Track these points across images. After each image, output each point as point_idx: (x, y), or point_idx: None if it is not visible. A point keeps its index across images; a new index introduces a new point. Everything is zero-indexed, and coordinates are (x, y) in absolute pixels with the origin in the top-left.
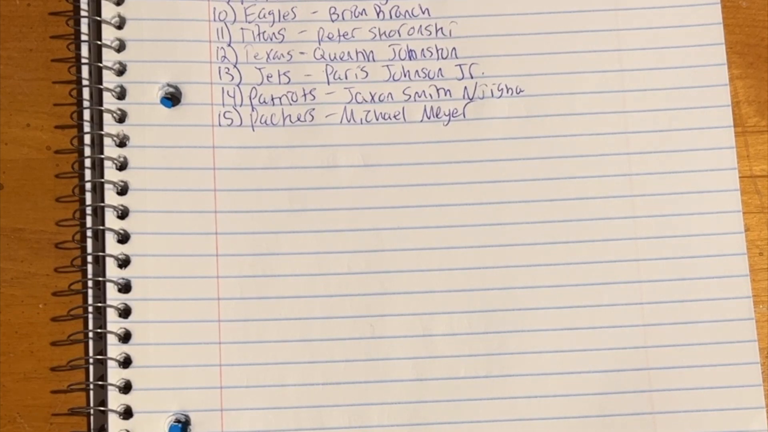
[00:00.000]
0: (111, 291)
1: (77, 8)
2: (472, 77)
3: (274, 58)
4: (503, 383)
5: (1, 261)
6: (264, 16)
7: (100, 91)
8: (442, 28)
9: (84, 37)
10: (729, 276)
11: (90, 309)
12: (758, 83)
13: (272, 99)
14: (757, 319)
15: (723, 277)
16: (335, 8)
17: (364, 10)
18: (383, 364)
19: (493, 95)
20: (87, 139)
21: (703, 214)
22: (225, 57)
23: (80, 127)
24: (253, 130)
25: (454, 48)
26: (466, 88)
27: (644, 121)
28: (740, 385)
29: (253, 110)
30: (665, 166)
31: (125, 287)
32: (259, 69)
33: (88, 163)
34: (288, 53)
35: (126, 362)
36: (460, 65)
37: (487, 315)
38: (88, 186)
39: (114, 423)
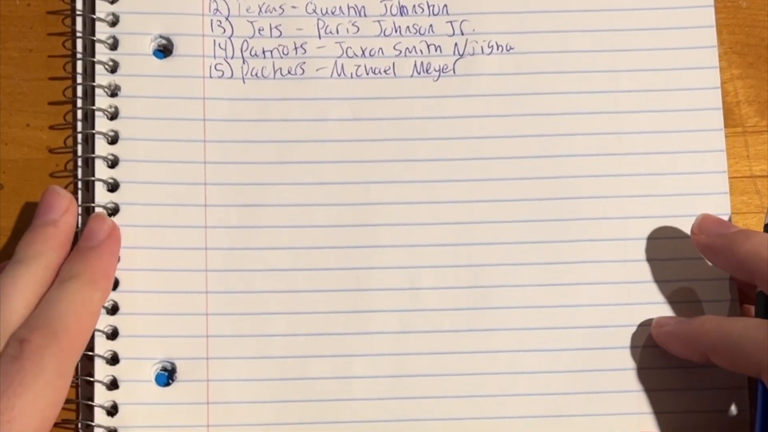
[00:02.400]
0: None
1: None
2: (462, 34)
3: (265, 12)
4: (486, 337)
5: (1, 261)
6: None
7: (93, 44)
8: None
9: None
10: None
11: None
12: (758, 83)
13: (263, 52)
14: None
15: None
16: None
17: None
18: (368, 316)
19: (483, 52)
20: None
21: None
22: (217, 9)
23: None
24: (244, 83)
25: (445, 5)
26: (456, 44)
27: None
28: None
29: (244, 63)
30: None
31: None
32: (251, 22)
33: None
34: (280, 7)
35: (113, 309)
36: (450, 22)
37: (473, 269)
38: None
39: (100, 368)
